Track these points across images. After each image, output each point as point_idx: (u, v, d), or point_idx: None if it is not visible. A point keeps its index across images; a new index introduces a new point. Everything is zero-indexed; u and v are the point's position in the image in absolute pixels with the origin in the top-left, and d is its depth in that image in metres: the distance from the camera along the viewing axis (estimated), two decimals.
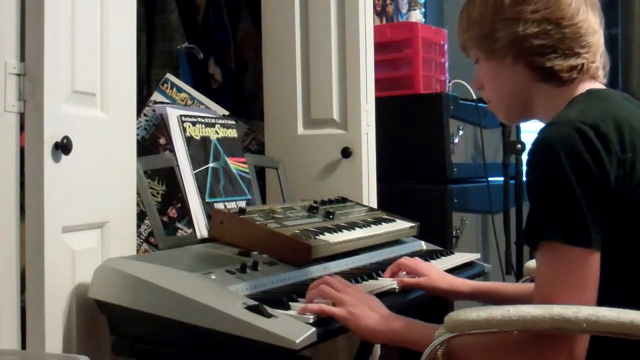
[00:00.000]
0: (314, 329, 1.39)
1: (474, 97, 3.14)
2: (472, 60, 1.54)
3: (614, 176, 1.24)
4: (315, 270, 1.80)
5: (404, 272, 1.83)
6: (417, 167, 2.92)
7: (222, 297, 1.47)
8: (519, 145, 3.06)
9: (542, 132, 1.31)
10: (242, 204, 2.11)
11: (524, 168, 1.36)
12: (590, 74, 1.42)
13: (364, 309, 1.44)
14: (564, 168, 1.23)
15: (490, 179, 3.05)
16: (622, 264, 1.28)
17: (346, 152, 2.52)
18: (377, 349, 2.37)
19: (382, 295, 1.68)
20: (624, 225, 1.27)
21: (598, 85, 1.44)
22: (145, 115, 2.25)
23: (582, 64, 1.40)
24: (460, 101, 3.01)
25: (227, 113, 2.37)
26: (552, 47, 1.40)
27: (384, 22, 3.58)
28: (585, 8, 1.41)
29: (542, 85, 1.43)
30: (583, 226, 1.23)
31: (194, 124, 2.07)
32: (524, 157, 3.16)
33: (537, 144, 1.29)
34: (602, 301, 1.23)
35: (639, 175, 1.26)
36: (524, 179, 1.34)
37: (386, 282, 1.75)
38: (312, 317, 1.42)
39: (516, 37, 1.41)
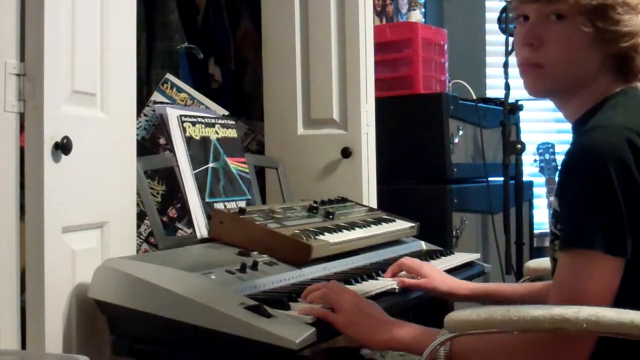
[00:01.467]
0: (313, 329, 1.39)
1: (474, 97, 3.14)
2: (546, 11, 1.38)
3: None
4: (315, 270, 1.80)
5: (405, 272, 1.82)
6: (417, 167, 2.92)
7: (222, 297, 1.47)
8: (519, 145, 3.06)
9: (589, 136, 1.28)
10: (242, 204, 2.11)
11: (560, 167, 1.31)
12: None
13: (363, 316, 1.44)
14: (611, 178, 1.22)
15: (490, 179, 3.05)
16: None
17: (346, 152, 2.52)
18: None
19: (382, 296, 1.68)
20: None
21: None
22: (145, 115, 2.25)
23: None
24: (460, 101, 3.01)
25: (227, 113, 2.36)
26: None
27: (384, 22, 3.58)
28: None
29: (603, 75, 1.38)
30: (622, 237, 1.23)
31: (193, 124, 2.07)
32: (524, 157, 3.17)
33: (584, 148, 1.26)
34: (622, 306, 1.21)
35: None
36: (559, 177, 1.30)
37: (386, 282, 1.74)
38: (311, 317, 1.42)
39: (634, 30, 1.35)
